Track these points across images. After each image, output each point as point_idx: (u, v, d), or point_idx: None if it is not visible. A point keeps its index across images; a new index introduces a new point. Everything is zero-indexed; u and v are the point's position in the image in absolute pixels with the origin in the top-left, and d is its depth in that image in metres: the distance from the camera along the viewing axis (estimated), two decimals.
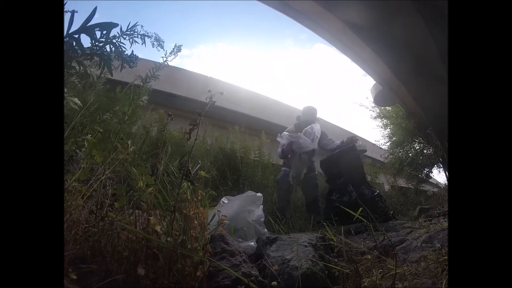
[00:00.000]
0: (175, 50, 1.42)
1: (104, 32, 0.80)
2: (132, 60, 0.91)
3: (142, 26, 0.90)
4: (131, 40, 0.90)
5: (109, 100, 1.39)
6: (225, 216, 0.98)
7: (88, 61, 0.85)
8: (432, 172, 5.69)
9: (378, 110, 6.33)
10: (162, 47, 0.99)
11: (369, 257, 0.98)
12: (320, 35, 3.45)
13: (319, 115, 3.31)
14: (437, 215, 2.66)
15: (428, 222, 2.11)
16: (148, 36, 0.94)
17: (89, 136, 1.04)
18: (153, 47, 0.98)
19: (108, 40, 0.82)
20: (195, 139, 0.92)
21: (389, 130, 6.14)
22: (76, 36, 0.76)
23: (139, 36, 0.91)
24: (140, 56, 1.44)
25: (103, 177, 0.86)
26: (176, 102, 5.71)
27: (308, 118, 3.10)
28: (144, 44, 0.93)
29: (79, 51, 0.78)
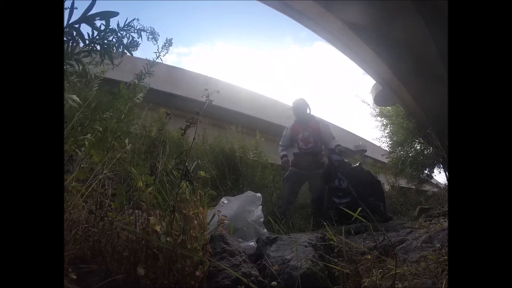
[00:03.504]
0: (166, 44, 1.41)
1: (103, 22, 0.81)
2: (133, 46, 0.91)
3: (137, 19, 0.92)
4: (128, 35, 0.91)
5: (108, 98, 1.39)
6: (225, 216, 0.98)
7: (87, 57, 0.86)
8: (433, 172, 5.69)
9: (378, 110, 6.33)
10: (156, 40, 1.00)
11: (369, 257, 0.98)
12: (320, 34, 3.45)
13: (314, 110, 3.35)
14: (437, 215, 2.66)
15: (428, 222, 2.11)
16: (144, 31, 0.95)
17: (89, 135, 1.04)
18: (148, 40, 0.98)
19: (108, 29, 0.83)
20: (194, 139, 0.92)
21: (389, 130, 6.15)
22: (77, 26, 0.76)
23: (136, 31, 0.92)
24: (140, 56, 1.44)
25: (101, 176, 0.85)
26: (175, 102, 5.71)
27: (304, 110, 3.08)
28: (140, 38, 0.94)
29: (79, 41, 0.79)
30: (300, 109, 3.07)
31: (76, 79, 1.11)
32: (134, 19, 0.91)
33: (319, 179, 2.88)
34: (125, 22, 0.90)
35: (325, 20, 3.16)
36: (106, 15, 0.80)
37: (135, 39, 0.92)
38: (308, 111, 3.09)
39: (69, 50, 0.80)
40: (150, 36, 0.98)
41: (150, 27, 0.97)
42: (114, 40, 0.86)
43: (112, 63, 0.92)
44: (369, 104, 6.39)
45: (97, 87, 1.53)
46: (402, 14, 2.82)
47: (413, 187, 5.55)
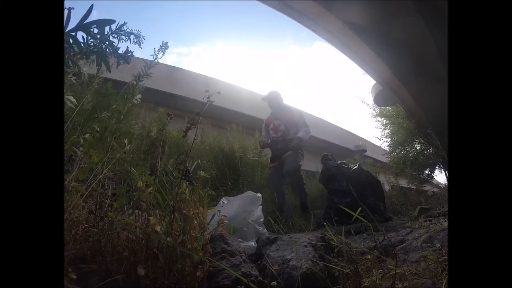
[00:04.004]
0: (162, 48, 1.42)
1: (99, 30, 0.81)
2: (128, 56, 0.93)
3: (126, 22, 0.94)
4: (119, 38, 0.92)
5: (104, 98, 1.39)
6: (225, 216, 0.98)
7: (83, 60, 0.87)
8: (434, 172, 5.71)
9: (378, 110, 6.35)
10: (139, 44, 1.01)
11: (369, 257, 0.98)
12: (320, 34, 3.46)
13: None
14: (437, 215, 2.66)
15: (428, 222, 2.11)
16: (133, 34, 0.96)
17: (87, 135, 1.04)
18: (134, 44, 0.99)
19: (104, 37, 0.83)
20: (194, 139, 0.92)
21: (389, 129, 6.16)
22: (73, 33, 0.76)
23: (125, 34, 0.93)
24: (139, 56, 1.44)
25: (101, 176, 0.85)
26: (176, 102, 5.72)
27: (278, 101, 3.10)
28: (129, 41, 0.96)
29: (76, 48, 0.79)
30: (274, 101, 3.09)
31: (73, 78, 1.11)
32: (124, 24, 0.93)
33: (283, 162, 2.81)
34: (116, 26, 0.91)
35: (325, 20, 3.17)
36: (103, 23, 0.80)
37: (129, 49, 0.94)
38: (282, 103, 3.11)
39: (66, 56, 0.80)
40: (135, 40, 0.99)
41: (137, 31, 0.99)
42: (109, 48, 0.87)
43: (109, 71, 0.93)
44: (368, 105, 6.41)
45: (96, 86, 1.53)
46: (402, 14, 2.82)
47: (414, 187, 5.55)
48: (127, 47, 0.94)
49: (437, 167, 5.65)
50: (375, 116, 6.46)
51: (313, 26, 3.33)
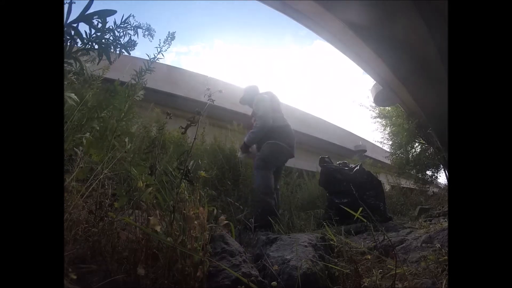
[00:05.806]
0: (169, 39, 1.37)
1: (101, 21, 0.81)
2: (130, 46, 0.91)
3: (133, 16, 0.91)
4: (124, 32, 0.91)
5: (105, 96, 1.39)
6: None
7: (85, 56, 0.86)
8: (438, 173, 5.70)
9: (377, 111, 6.34)
10: (152, 37, 0.99)
11: (369, 257, 0.98)
12: (320, 35, 3.46)
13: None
14: (437, 215, 2.66)
15: (428, 222, 2.11)
16: (140, 27, 0.95)
17: (87, 134, 1.04)
18: (144, 37, 0.98)
19: (105, 28, 0.83)
20: (195, 138, 0.92)
21: (389, 130, 6.15)
22: (75, 25, 0.76)
23: (132, 28, 0.92)
24: (139, 55, 1.43)
25: (102, 177, 0.85)
26: (176, 102, 5.72)
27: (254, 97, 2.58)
28: (136, 35, 0.94)
29: (78, 40, 0.79)
30: (251, 100, 2.56)
31: (74, 77, 1.10)
32: (130, 16, 0.91)
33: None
34: (121, 19, 0.89)
35: (325, 20, 3.17)
36: (104, 14, 0.80)
37: (132, 39, 0.92)
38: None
39: (67, 49, 0.80)
40: (146, 33, 0.97)
41: (146, 24, 0.96)
42: (111, 39, 0.86)
43: (109, 62, 0.92)
44: (367, 107, 6.40)
45: (99, 84, 1.52)
46: (402, 14, 2.82)
47: (416, 188, 5.53)
48: (130, 36, 0.92)
49: (439, 168, 5.65)
50: (375, 117, 6.45)
51: (313, 26, 3.33)
